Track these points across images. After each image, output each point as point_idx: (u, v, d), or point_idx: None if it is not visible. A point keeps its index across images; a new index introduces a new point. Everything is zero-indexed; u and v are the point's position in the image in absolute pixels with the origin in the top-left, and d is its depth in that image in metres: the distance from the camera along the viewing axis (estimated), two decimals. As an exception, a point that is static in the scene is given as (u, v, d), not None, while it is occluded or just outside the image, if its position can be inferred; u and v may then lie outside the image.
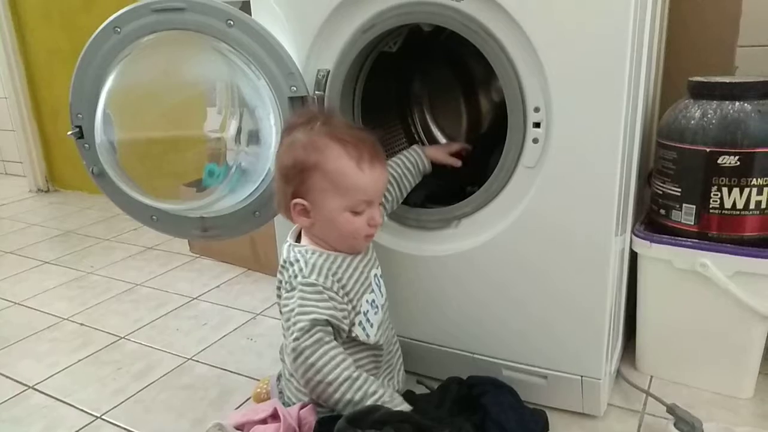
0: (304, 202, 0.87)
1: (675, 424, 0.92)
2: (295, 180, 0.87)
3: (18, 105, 2.74)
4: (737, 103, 0.95)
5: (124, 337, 1.39)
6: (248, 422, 0.86)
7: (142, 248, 2.00)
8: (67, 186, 2.86)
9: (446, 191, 1.08)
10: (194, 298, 1.58)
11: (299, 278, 0.86)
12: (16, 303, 1.62)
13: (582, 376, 0.97)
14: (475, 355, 1.05)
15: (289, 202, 0.89)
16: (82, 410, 1.12)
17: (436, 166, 1.07)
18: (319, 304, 0.84)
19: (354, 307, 0.88)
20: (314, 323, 0.82)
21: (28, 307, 1.59)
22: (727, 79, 0.99)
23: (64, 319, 1.51)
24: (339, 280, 0.87)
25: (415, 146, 1.07)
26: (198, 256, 1.89)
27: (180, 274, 1.76)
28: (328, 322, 0.84)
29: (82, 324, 1.47)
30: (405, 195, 1.03)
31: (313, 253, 0.88)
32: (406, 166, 1.03)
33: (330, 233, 0.89)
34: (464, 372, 1.01)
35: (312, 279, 0.85)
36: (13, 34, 2.65)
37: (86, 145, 1.07)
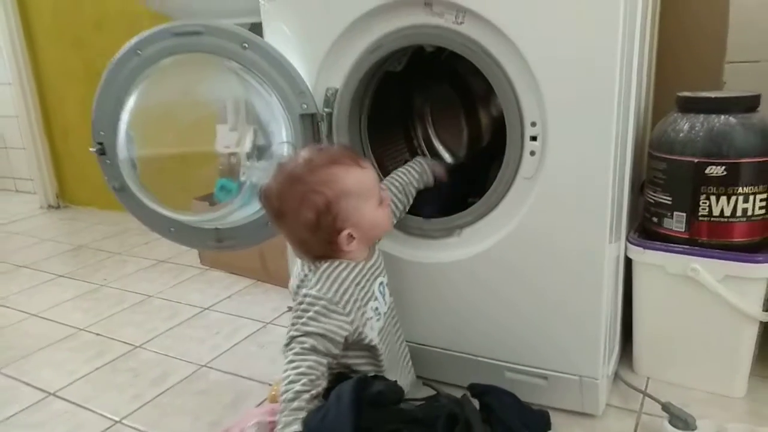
0: (349, 230, 0.91)
1: (670, 421, 0.97)
2: (327, 220, 0.90)
3: (29, 123, 2.80)
4: (723, 117, 1.01)
5: (139, 346, 1.44)
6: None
7: (154, 261, 2.05)
8: (78, 202, 2.92)
9: (452, 203, 1.13)
10: (206, 309, 1.63)
11: (313, 291, 0.90)
12: (32, 315, 1.67)
13: (581, 377, 1.02)
14: (479, 358, 1.10)
15: (329, 244, 0.91)
16: (102, 415, 1.17)
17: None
18: (321, 319, 0.88)
19: (363, 314, 0.93)
20: (311, 334, 0.87)
21: (45, 319, 1.64)
22: (712, 94, 1.05)
23: (81, 329, 1.56)
24: (346, 291, 0.91)
25: (418, 158, 1.13)
26: (208, 268, 1.94)
27: (191, 285, 1.81)
28: (323, 336, 0.87)
29: (98, 334, 1.52)
30: (411, 201, 1.09)
31: (329, 266, 0.92)
32: (412, 175, 1.09)
33: (373, 235, 0.97)
34: (468, 374, 1.06)
35: (321, 294, 0.89)
36: (25, 53, 2.73)
37: (108, 161, 1.13)
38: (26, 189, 3.17)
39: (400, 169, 1.10)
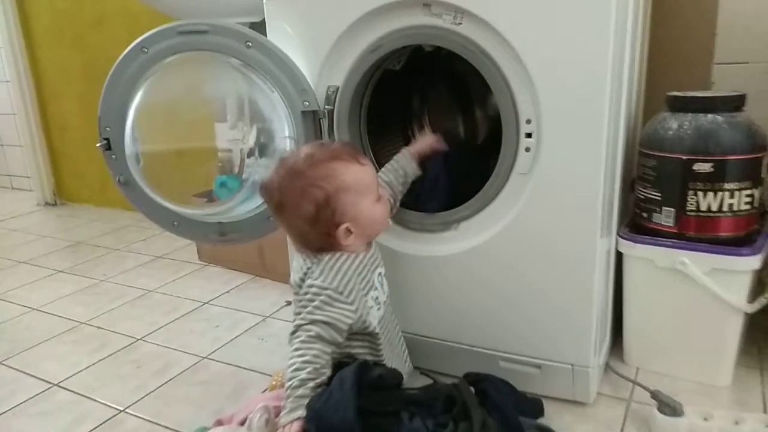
0: (347, 224, 0.94)
1: (658, 408, 1.01)
2: (326, 214, 0.92)
3: (27, 121, 2.82)
4: (710, 116, 1.05)
5: (140, 339, 1.47)
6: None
7: (152, 257, 2.07)
8: (74, 199, 2.93)
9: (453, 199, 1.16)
10: (205, 303, 1.66)
11: (318, 281, 0.93)
12: (34, 309, 1.69)
13: (573, 366, 1.06)
14: (474, 348, 1.13)
15: (328, 237, 0.94)
16: (106, 404, 1.20)
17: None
18: (326, 308, 0.91)
19: (365, 303, 0.96)
20: (316, 322, 0.90)
21: (46, 312, 1.66)
22: (700, 94, 1.09)
23: (82, 323, 1.58)
24: (349, 281, 0.94)
25: (404, 149, 1.15)
26: (207, 263, 1.97)
27: (190, 281, 1.84)
28: (329, 325, 0.90)
29: (99, 327, 1.55)
30: (399, 197, 1.11)
31: (332, 257, 0.95)
32: (397, 171, 1.11)
33: (371, 230, 0.99)
34: (463, 364, 1.10)
35: (326, 284, 0.92)
36: (24, 51, 2.74)
37: (113, 156, 1.15)
38: (22, 186, 3.18)
39: (385, 165, 1.13)
